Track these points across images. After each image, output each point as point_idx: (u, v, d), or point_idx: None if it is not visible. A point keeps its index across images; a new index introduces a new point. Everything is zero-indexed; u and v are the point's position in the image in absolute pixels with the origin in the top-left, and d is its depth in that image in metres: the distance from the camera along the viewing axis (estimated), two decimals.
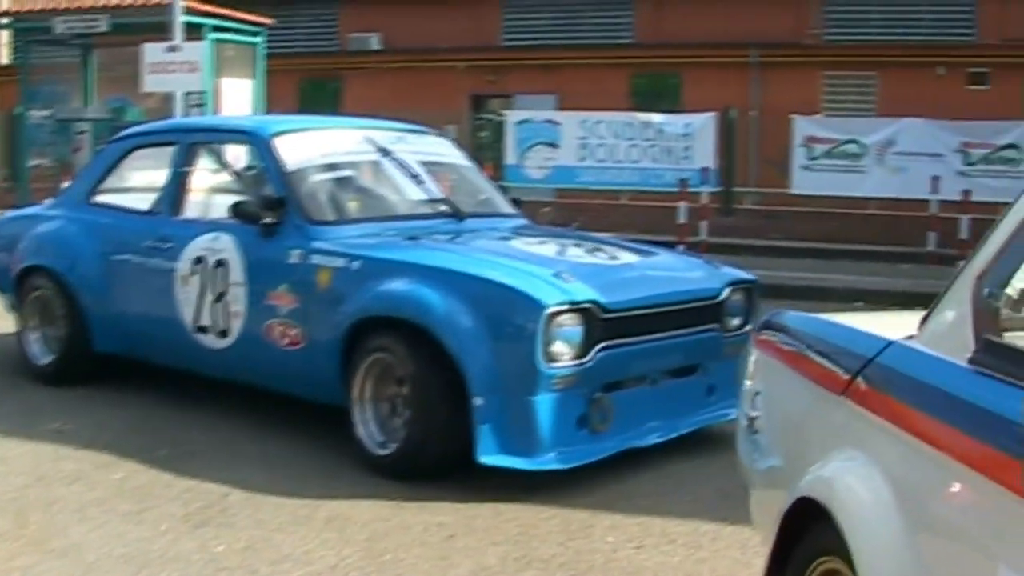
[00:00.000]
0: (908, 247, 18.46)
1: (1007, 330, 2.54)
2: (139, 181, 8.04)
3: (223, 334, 6.86)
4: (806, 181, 21.19)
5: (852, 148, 20.96)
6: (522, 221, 7.61)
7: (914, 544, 2.47)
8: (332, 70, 30.18)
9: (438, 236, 6.66)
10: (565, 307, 5.56)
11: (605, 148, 22.45)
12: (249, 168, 7.15)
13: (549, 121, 23.09)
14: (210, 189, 7.46)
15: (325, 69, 30.25)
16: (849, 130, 21.18)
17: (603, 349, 5.74)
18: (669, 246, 18.43)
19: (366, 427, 6.08)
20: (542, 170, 22.87)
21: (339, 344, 6.16)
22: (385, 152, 7.16)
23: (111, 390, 7.75)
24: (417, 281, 5.88)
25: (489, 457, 5.58)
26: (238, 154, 7.46)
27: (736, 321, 6.66)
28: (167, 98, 17.03)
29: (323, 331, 6.27)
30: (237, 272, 6.74)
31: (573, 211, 22.48)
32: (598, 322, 5.71)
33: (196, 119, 8.39)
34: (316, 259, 6.35)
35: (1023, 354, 2.40)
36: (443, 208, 7.07)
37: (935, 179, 18.14)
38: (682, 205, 16.45)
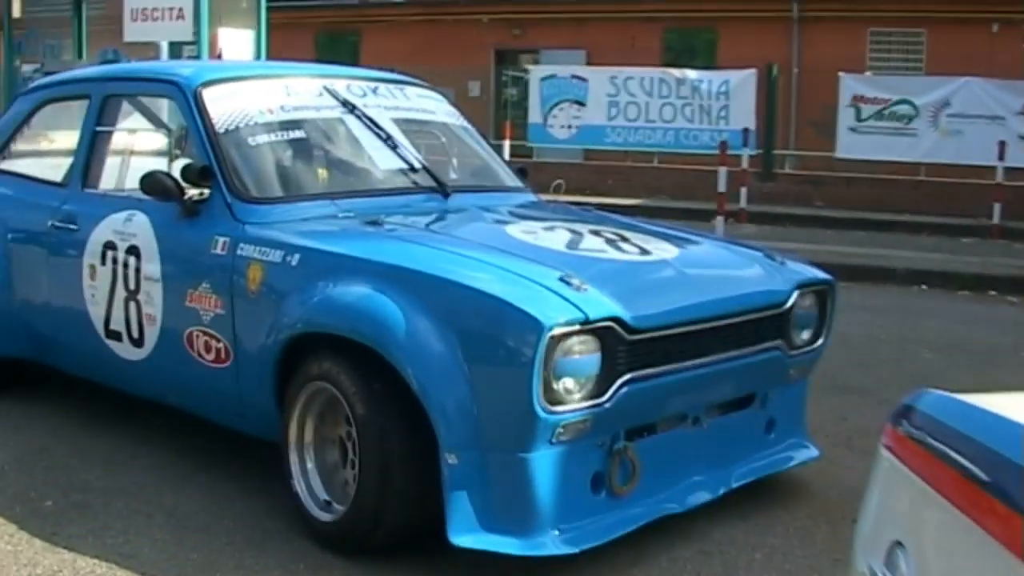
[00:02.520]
0: (968, 219, 16.81)
1: None
2: (54, 143, 6.43)
3: (137, 342, 5.30)
4: (853, 144, 19.61)
5: (903, 109, 19.37)
6: (528, 197, 5.98)
7: None
8: (350, 23, 28.61)
9: (412, 219, 5.05)
10: (575, 327, 3.94)
11: (636, 106, 20.89)
12: (174, 128, 5.55)
13: (576, 77, 21.52)
14: (129, 154, 5.85)
15: (343, 22, 28.69)
16: (900, 89, 19.57)
17: (628, 383, 4.12)
18: (706, 214, 16.93)
19: (305, 480, 4.51)
20: (568, 129, 21.30)
21: (272, 366, 4.58)
22: (350, 107, 5.53)
23: (12, 404, 6.19)
24: (373, 285, 4.27)
25: (466, 537, 3.98)
26: (161, 110, 5.85)
27: (805, 335, 5.05)
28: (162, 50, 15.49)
29: (253, 347, 4.69)
30: (151, 263, 5.17)
31: (600, 173, 20.92)
32: (622, 346, 4.09)
33: (114, 66, 6.73)
34: (246, 250, 4.75)
35: None
36: (422, 181, 5.44)
37: (1001, 144, 16.44)
38: (722, 170, 14.71)
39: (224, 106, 5.24)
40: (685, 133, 20.68)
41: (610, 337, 4.05)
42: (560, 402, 3.94)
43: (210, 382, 4.97)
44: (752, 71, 20.18)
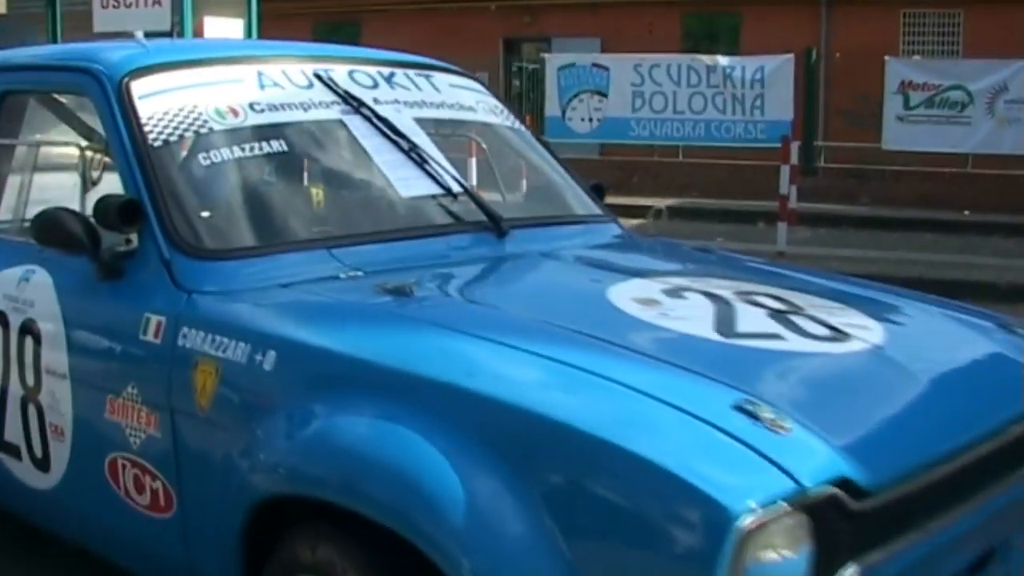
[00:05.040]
0: None
1: None
2: None
3: (41, 464, 3.51)
4: (902, 135, 17.86)
5: (956, 95, 17.53)
6: (612, 230, 4.14)
7: None
8: (349, 12, 26.81)
9: (455, 279, 3.25)
10: (782, 507, 2.13)
11: (662, 96, 19.06)
12: (92, 139, 3.74)
13: (596, 65, 19.68)
14: (34, 178, 4.01)
15: (342, 11, 26.89)
16: (952, 74, 17.86)
17: None
18: (750, 215, 15.13)
19: None
20: (589, 123, 19.45)
21: (237, 538, 2.77)
22: (355, 104, 3.69)
23: None
24: (399, 413, 2.46)
25: None
26: (76, 111, 4.01)
27: None
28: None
29: (208, 497, 2.89)
30: (55, 350, 3.36)
31: (624, 170, 19.09)
32: (845, 523, 2.28)
33: (18, 51, 4.79)
34: (192, 337, 2.93)
35: None
36: (466, 213, 3.61)
37: None
38: (784, 168, 12.81)
39: (163, 105, 3.41)
40: (716, 125, 18.89)
41: (830, 513, 2.24)
42: None
43: (145, 535, 3.17)
44: (789, 56, 18.47)
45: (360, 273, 3.14)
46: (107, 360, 3.20)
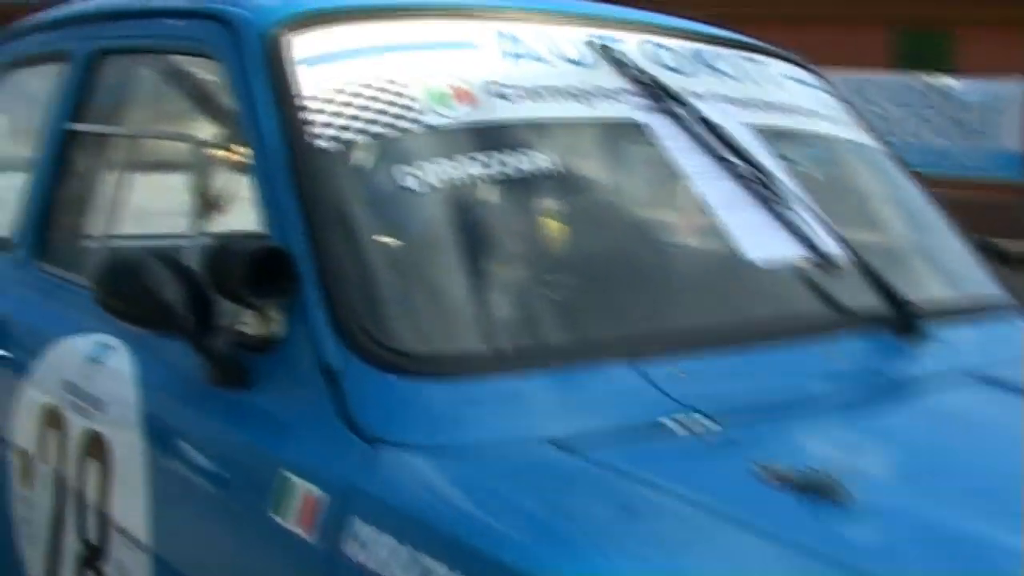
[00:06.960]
0: None
1: None
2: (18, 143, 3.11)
3: None
4: None
5: None
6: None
7: None
8: None
9: (880, 443, 1.71)
10: None
11: (875, 117, 17.29)
12: (220, 129, 2.29)
13: None
14: (134, 179, 2.55)
15: None
16: None
17: None
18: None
19: None
20: None
21: None
22: (663, 98, 2.14)
23: None
24: None
25: None
26: (200, 84, 2.54)
27: None
28: None
29: None
30: (129, 492, 1.92)
31: None
32: None
33: None
34: (373, 545, 1.44)
35: None
36: (846, 294, 2.01)
37: None
38: None
39: (341, 77, 1.91)
40: (936, 152, 17.18)
41: None
42: None
43: None
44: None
45: (701, 419, 1.61)
46: (211, 540, 1.74)
